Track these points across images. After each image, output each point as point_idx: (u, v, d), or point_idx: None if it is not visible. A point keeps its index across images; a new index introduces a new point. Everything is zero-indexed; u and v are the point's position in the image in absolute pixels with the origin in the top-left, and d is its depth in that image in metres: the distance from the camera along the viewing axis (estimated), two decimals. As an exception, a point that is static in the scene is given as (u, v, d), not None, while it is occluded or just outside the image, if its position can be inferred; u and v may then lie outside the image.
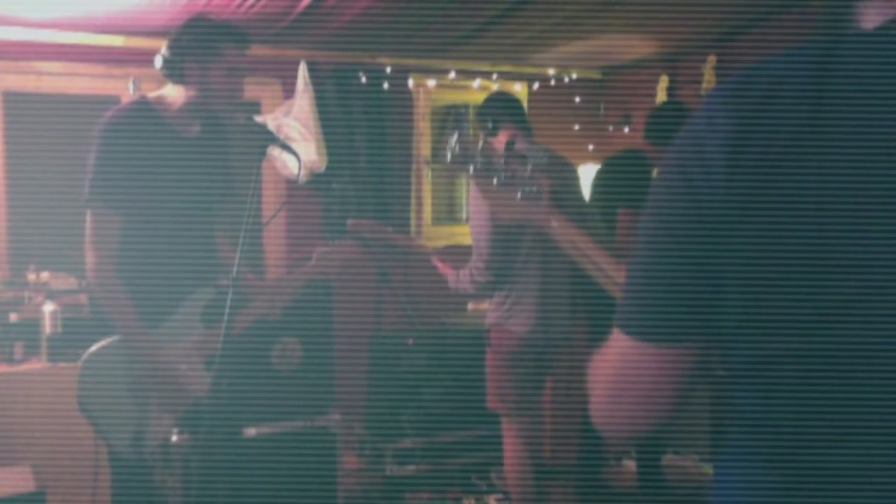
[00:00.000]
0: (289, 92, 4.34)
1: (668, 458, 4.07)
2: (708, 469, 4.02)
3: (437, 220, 4.97)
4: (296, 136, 4.19)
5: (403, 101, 4.71)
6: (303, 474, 3.10)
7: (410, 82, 4.72)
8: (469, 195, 4.10)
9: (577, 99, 5.19)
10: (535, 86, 5.06)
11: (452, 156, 1.26)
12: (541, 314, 3.03)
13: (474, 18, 3.89)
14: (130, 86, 3.90)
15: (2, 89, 3.85)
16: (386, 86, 4.56)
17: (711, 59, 4.33)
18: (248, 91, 4.05)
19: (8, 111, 3.86)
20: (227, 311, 2.18)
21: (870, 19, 0.86)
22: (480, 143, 1.26)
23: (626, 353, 0.95)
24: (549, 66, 5.04)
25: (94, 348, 2.34)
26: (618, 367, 0.97)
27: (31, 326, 3.50)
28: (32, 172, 3.85)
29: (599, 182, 3.69)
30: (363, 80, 4.49)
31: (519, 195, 1.24)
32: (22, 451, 3.19)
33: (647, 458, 3.80)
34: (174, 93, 2.42)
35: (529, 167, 1.24)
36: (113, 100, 2.43)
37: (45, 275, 3.75)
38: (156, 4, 3.37)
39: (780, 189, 0.83)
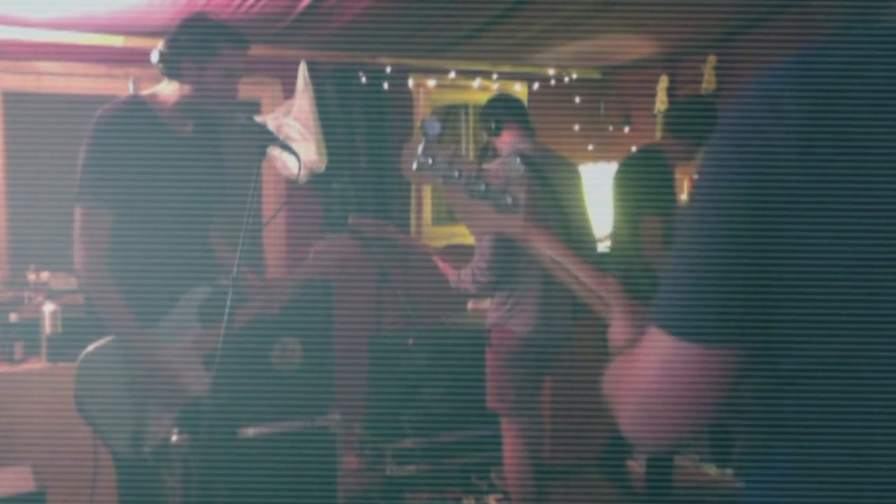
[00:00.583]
0: (289, 92, 4.34)
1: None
2: (709, 469, 4.02)
3: (437, 220, 4.97)
4: (296, 136, 4.19)
5: (403, 101, 4.70)
6: (303, 474, 3.10)
7: (410, 82, 4.71)
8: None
9: (577, 99, 5.19)
10: (535, 86, 5.06)
11: (418, 165, 1.19)
12: (542, 314, 3.03)
13: (474, 18, 3.89)
14: (130, 86, 3.90)
15: (2, 89, 3.85)
16: (386, 86, 4.56)
17: (711, 59, 4.33)
18: (248, 91, 4.05)
19: (8, 111, 3.86)
20: (227, 311, 2.17)
21: None
22: (450, 153, 1.20)
23: (670, 355, 0.89)
24: (549, 66, 5.04)
25: (89, 349, 2.34)
26: (659, 370, 0.90)
27: (31, 326, 3.50)
28: (32, 172, 3.85)
29: (619, 186, 3.58)
30: (363, 80, 4.49)
31: (494, 208, 1.18)
32: (22, 451, 3.19)
33: (658, 459, 3.76)
34: (168, 91, 2.41)
35: (505, 179, 1.18)
36: (113, 100, 2.42)
37: (45, 275, 3.75)
38: (156, 4, 3.36)
39: (856, 184, 0.78)
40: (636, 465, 4.01)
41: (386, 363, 4.04)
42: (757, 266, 0.83)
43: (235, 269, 2.19)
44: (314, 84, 4.30)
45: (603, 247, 3.71)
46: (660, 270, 3.27)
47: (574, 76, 5.15)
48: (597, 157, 5.01)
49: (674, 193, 3.59)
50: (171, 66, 2.37)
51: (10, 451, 3.20)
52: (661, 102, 4.69)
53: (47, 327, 3.46)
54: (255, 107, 4.38)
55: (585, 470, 3.76)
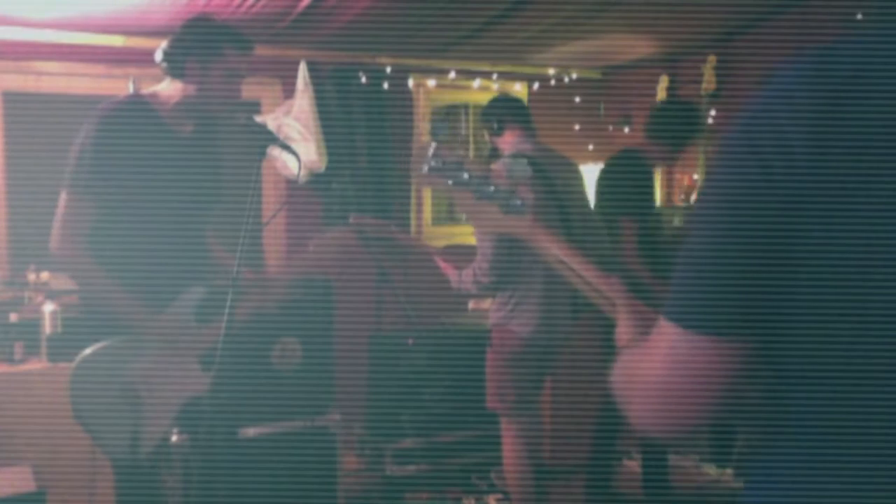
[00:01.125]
0: (289, 92, 4.34)
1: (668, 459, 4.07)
2: (709, 469, 4.02)
3: (437, 221, 4.97)
4: (296, 136, 4.19)
5: (403, 101, 4.71)
6: (303, 474, 3.10)
7: (410, 82, 4.72)
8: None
9: (577, 99, 5.19)
10: (535, 86, 5.06)
11: (428, 168, 1.21)
12: (544, 315, 3.03)
13: (474, 18, 3.90)
14: (130, 86, 3.90)
15: (2, 89, 3.85)
16: (386, 86, 4.56)
17: (711, 59, 4.33)
18: (248, 91, 4.05)
19: (8, 111, 3.86)
20: (227, 311, 2.17)
21: None
22: (459, 156, 1.22)
23: (679, 347, 0.89)
24: (549, 66, 5.04)
25: (83, 354, 2.32)
26: (667, 362, 0.91)
27: (31, 326, 3.50)
28: (32, 172, 3.85)
29: (598, 187, 3.65)
30: (363, 80, 4.49)
31: (501, 209, 1.20)
32: (22, 451, 3.19)
33: (652, 458, 3.78)
34: (170, 90, 2.42)
35: (512, 181, 1.20)
36: (113, 98, 2.44)
37: (45, 275, 3.75)
38: (156, 4, 3.37)
39: (866, 181, 0.78)
40: (636, 466, 4.01)
41: (386, 363, 4.04)
42: (766, 260, 0.84)
43: (235, 268, 2.18)
44: (314, 84, 4.30)
45: None
46: (636, 272, 3.31)
47: (574, 76, 5.15)
48: (597, 157, 5.01)
49: (652, 196, 3.62)
50: (175, 65, 2.37)
51: (10, 451, 3.20)
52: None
53: (47, 327, 3.46)
54: (255, 107, 4.38)
55: (585, 470, 3.76)
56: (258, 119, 2.83)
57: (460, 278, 3.07)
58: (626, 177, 3.49)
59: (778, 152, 0.81)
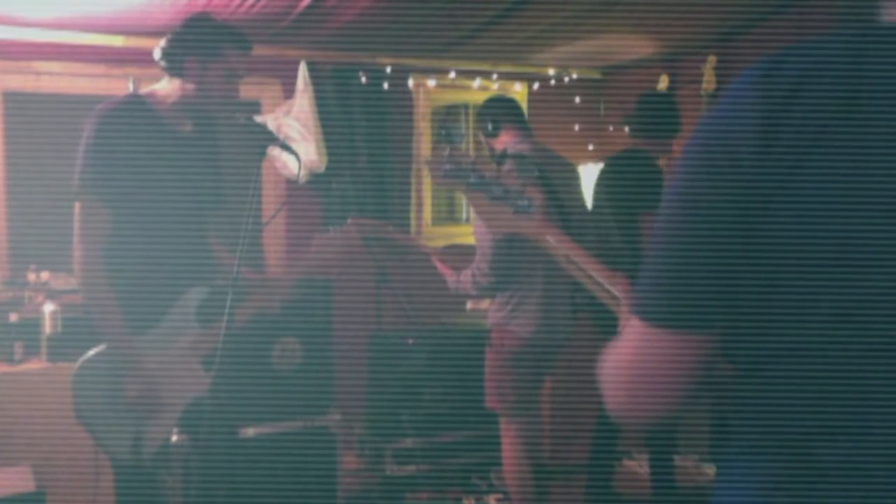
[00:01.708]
0: (289, 92, 4.34)
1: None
2: (709, 469, 4.02)
3: (437, 221, 4.97)
4: (296, 136, 4.19)
5: (403, 101, 4.71)
6: (303, 474, 3.10)
7: (410, 82, 4.72)
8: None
9: (577, 99, 5.19)
10: (535, 86, 5.06)
11: (444, 171, 1.27)
12: (544, 316, 3.03)
13: (474, 18, 3.89)
14: (130, 86, 3.90)
15: (2, 89, 3.85)
16: (386, 86, 4.56)
17: (711, 59, 4.33)
18: (248, 91, 4.04)
19: (8, 111, 3.86)
20: (227, 311, 2.17)
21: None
22: (473, 158, 1.27)
23: (642, 341, 0.96)
24: (549, 66, 5.04)
25: (86, 357, 2.33)
26: (634, 354, 0.97)
27: (31, 326, 3.50)
28: (32, 172, 3.85)
29: (608, 185, 3.60)
30: (363, 80, 4.49)
31: (512, 209, 1.26)
32: (22, 451, 3.19)
33: (659, 458, 3.77)
34: (168, 89, 2.41)
35: (521, 181, 1.25)
36: (111, 98, 2.43)
37: (45, 275, 3.75)
38: (156, 4, 3.36)
39: (808, 180, 0.82)
40: (637, 466, 4.01)
41: (386, 363, 4.04)
42: (721, 256, 0.89)
43: (236, 268, 2.18)
44: (314, 84, 4.30)
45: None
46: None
47: (574, 76, 5.15)
48: (597, 157, 5.01)
49: (662, 192, 3.60)
50: (174, 64, 2.36)
51: (10, 451, 3.20)
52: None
53: (47, 327, 3.46)
54: (255, 107, 4.38)
55: (585, 470, 3.76)
56: (258, 119, 2.83)
57: (458, 280, 3.07)
58: (641, 174, 3.47)
59: (726, 156, 0.86)
